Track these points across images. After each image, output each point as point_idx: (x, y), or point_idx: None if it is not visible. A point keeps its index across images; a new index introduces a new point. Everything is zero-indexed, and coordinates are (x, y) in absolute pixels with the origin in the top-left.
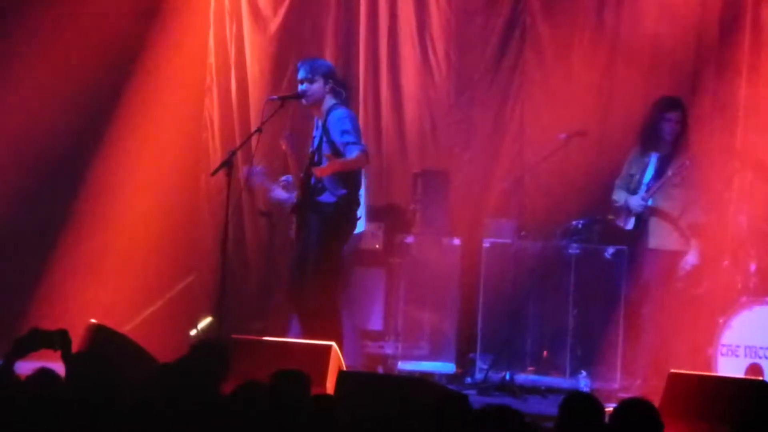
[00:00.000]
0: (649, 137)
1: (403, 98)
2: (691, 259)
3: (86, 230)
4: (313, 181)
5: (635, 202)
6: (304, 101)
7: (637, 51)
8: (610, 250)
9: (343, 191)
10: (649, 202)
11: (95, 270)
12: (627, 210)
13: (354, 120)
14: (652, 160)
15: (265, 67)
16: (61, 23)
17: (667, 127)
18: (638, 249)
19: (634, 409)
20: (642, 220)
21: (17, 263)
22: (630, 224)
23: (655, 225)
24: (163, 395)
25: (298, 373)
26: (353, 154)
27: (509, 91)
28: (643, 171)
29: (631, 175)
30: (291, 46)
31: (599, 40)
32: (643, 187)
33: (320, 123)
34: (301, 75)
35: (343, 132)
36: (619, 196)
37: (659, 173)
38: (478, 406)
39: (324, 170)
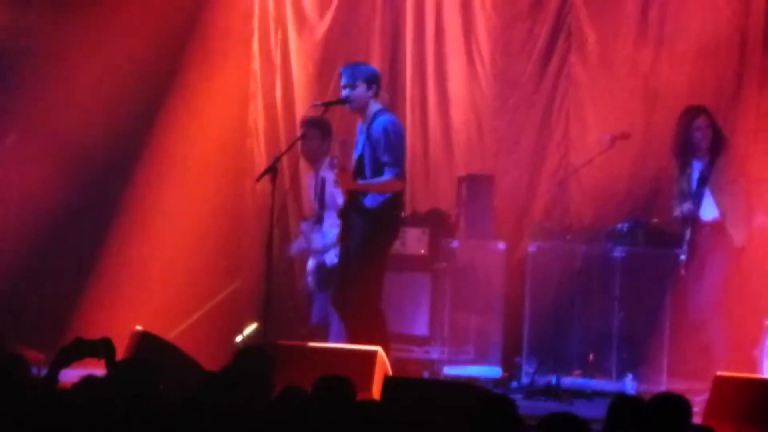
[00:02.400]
0: (685, 149)
1: (449, 103)
2: (758, 219)
3: (131, 237)
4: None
5: (686, 207)
6: (348, 106)
7: (681, 54)
8: (656, 253)
9: (388, 194)
10: (699, 207)
11: (140, 277)
12: (684, 220)
13: (397, 133)
14: (696, 167)
15: (311, 72)
16: (111, 24)
17: (698, 135)
18: (694, 255)
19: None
20: (697, 225)
21: (62, 271)
22: (687, 233)
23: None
24: (209, 403)
25: (341, 379)
26: (387, 177)
27: (554, 95)
28: (690, 180)
29: (681, 190)
30: (337, 51)
31: (644, 44)
32: (693, 195)
33: (365, 128)
34: (343, 81)
35: (385, 149)
36: (678, 211)
37: (704, 179)
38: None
39: (352, 186)
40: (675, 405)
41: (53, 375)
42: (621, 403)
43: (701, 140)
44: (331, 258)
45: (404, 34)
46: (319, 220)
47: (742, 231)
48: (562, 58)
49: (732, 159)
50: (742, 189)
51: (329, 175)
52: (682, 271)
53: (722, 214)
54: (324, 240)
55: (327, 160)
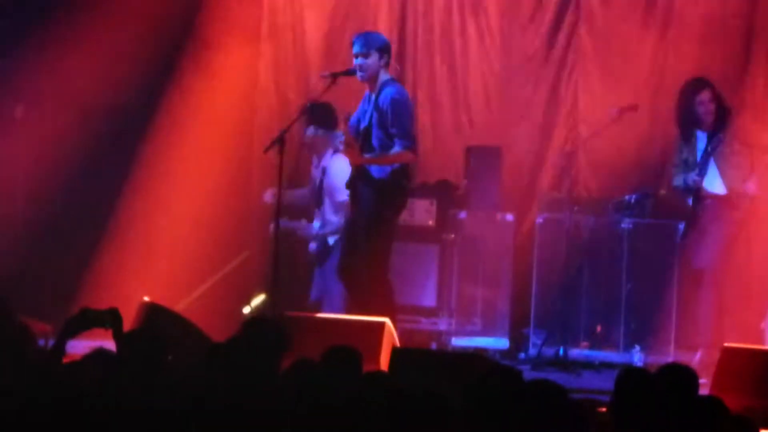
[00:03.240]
0: (687, 121)
1: (457, 75)
2: (750, 187)
3: (138, 208)
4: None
5: (690, 178)
6: (359, 76)
7: (689, 25)
8: (664, 224)
9: (396, 165)
10: (704, 178)
11: (148, 248)
12: (687, 190)
13: (405, 104)
14: (700, 138)
15: (320, 44)
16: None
17: (701, 109)
18: (694, 225)
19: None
20: (698, 198)
21: (70, 242)
22: (689, 202)
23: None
24: (217, 373)
25: (349, 350)
26: (397, 149)
27: (563, 67)
28: (695, 151)
29: (685, 160)
30: (346, 23)
31: (652, 15)
32: (697, 166)
33: (373, 97)
34: (355, 49)
35: (393, 121)
36: (679, 181)
37: (709, 150)
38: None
39: (361, 160)
40: (682, 376)
41: (60, 346)
42: (628, 375)
43: (705, 115)
44: (332, 237)
45: (413, 6)
46: (317, 204)
47: (746, 202)
48: (570, 29)
49: (737, 131)
50: (746, 160)
51: (333, 164)
52: (678, 240)
53: (727, 186)
54: (324, 226)
55: (331, 151)
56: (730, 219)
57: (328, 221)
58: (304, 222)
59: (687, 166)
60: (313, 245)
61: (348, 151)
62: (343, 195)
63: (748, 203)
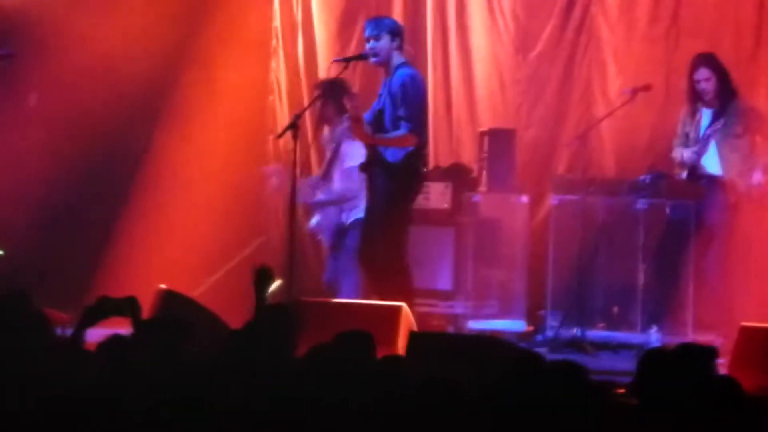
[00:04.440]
0: (691, 97)
1: (471, 57)
2: (756, 176)
3: (153, 195)
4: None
5: (687, 154)
6: (372, 59)
7: (702, 5)
8: (679, 204)
9: (410, 148)
10: (702, 156)
11: (164, 236)
12: (683, 164)
13: (416, 87)
14: (705, 115)
15: (333, 28)
16: None
17: (699, 86)
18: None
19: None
20: (695, 174)
21: (87, 230)
22: (683, 176)
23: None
24: (234, 360)
25: (360, 333)
26: (400, 132)
27: (576, 48)
28: (698, 127)
29: (686, 134)
30: (359, 6)
31: None
32: (698, 142)
33: (386, 80)
34: (367, 33)
35: (402, 103)
36: (677, 153)
37: (710, 128)
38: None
39: (363, 137)
40: (700, 354)
41: (79, 334)
42: (651, 356)
43: (704, 92)
44: (349, 216)
45: None
46: (325, 176)
47: (741, 187)
48: (583, 10)
49: (742, 114)
50: (746, 145)
51: (346, 137)
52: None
53: (724, 168)
54: (329, 195)
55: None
56: (723, 203)
57: (332, 189)
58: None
59: (688, 140)
60: (313, 220)
61: (353, 126)
62: (353, 161)
63: (746, 190)
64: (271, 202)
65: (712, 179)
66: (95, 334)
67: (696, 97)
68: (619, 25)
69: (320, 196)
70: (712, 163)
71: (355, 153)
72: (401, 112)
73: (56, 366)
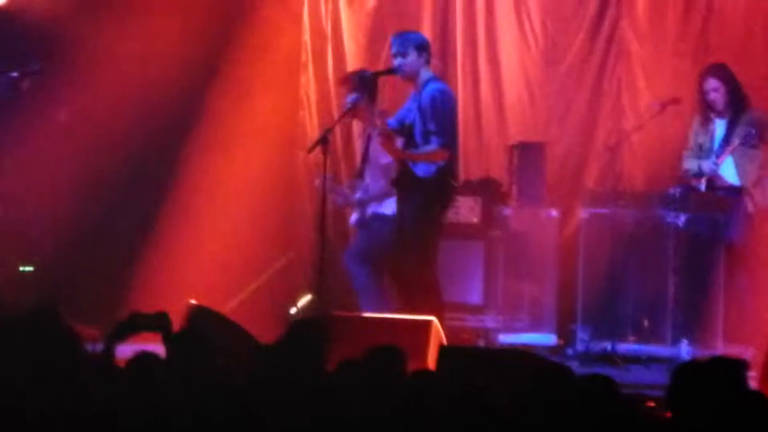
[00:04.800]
0: (702, 107)
1: (501, 71)
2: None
3: (183, 211)
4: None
5: (707, 165)
6: (399, 75)
7: (730, 17)
8: (708, 216)
9: (440, 163)
10: (720, 166)
11: (194, 250)
12: (700, 175)
13: (445, 101)
14: (718, 125)
15: (362, 42)
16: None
17: (708, 97)
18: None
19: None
20: (713, 186)
21: (116, 247)
22: (702, 187)
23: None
24: (265, 375)
25: (391, 348)
26: (431, 147)
27: (606, 62)
28: (712, 137)
29: (700, 144)
30: (388, 20)
31: (693, 8)
32: (714, 152)
33: (416, 96)
34: (393, 49)
35: (432, 118)
36: (692, 165)
37: (728, 137)
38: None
39: (394, 153)
40: (731, 368)
41: (110, 350)
42: (684, 369)
43: (714, 102)
44: (373, 209)
45: (455, 3)
46: (360, 175)
47: (759, 197)
48: (612, 24)
49: (758, 125)
50: (762, 156)
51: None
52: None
53: (741, 178)
54: (366, 193)
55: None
56: (745, 214)
57: (370, 187)
58: (345, 190)
59: (702, 151)
60: (354, 216)
61: (384, 142)
62: (386, 158)
63: (763, 200)
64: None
65: (729, 189)
66: (126, 350)
67: (707, 108)
68: (648, 38)
69: (357, 194)
70: (729, 173)
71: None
72: (432, 127)
73: (87, 382)
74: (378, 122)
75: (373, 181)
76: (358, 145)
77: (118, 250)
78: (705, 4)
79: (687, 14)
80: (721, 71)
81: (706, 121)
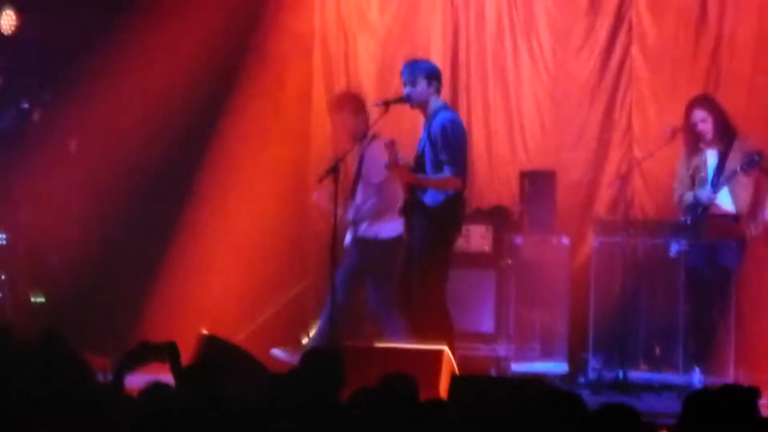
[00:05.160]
0: (691, 139)
1: (511, 98)
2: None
3: (195, 240)
4: None
5: (704, 195)
6: (409, 104)
7: (741, 44)
8: (719, 244)
9: (449, 192)
10: (718, 195)
11: (206, 279)
12: (695, 205)
13: (456, 131)
14: (710, 155)
15: (373, 72)
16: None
17: (696, 129)
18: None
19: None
20: (707, 215)
21: (127, 275)
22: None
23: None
24: (278, 405)
25: (404, 377)
26: (445, 175)
27: (616, 90)
28: (705, 168)
29: (691, 176)
30: (398, 50)
31: (704, 35)
32: (709, 182)
33: (426, 124)
34: (403, 78)
35: (443, 147)
36: (686, 196)
37: (721, 166)
38: (595, 406)
39: (411, 180)
40: (743, 396)
41: (119, 380)
42: (696, 397)
43: (703, 133)
44: (363, 230)
45: (465, 32)
46: (351, 194)
47: (755, 223)
48: (623, 51)
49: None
50: (753, 182)
51: (369, 151)
52: (671, 254)
53: (736, 205)
54: (358, 212)
55: (369, 136)
56: (739, 239)
57: (360, 206)
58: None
59: (694, 182)
60: (348, 236)
61: (394, 171)
62: (378, 177)
63: (761, 228)
64: (313, 246)
65: (725, 216)
66: (135, 380)
67: (696, 139)
68: (659, 65)
69: (349, 214)
70: (725, 201)
71: (378, 169)
72: (443, 157)
73: (98, 412)
74: (388, 153)
75: (365, 200)
76: (351, 165)
77: (130, 279)
78: (715, 31)
79: (698, 41)
80: (706, 102)
81: (696, 152)
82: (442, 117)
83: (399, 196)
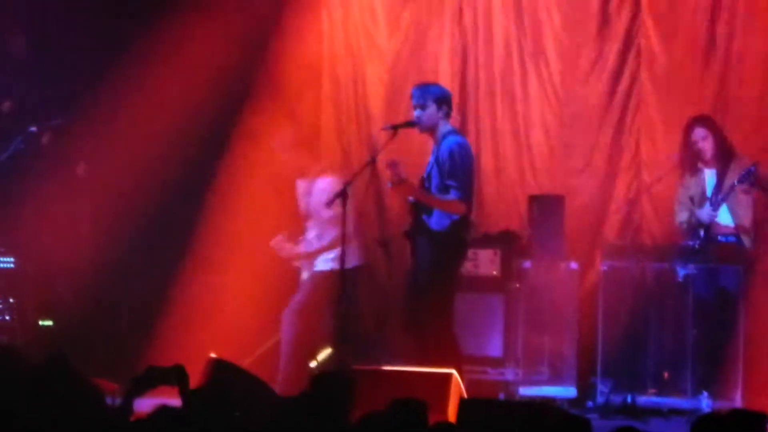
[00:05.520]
0: (689, 160)
1: (520, 123)
2: None
3: (204, 264)
4: (419, 203)
5: (705, 214)
6: (418, 128)
7: (749, 69)
8: (727, 269)
9: (455, 217)
10: (718, 213)
11: (213, 305)
12: (697, 225)
13: (463, 156)
14: (708, 175)
15: (382, 96)
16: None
17: (696, 147)
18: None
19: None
20: (711, 234)
21: (135, 300)
22: (697, 241)
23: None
24: (286, 429)
25: (414, 401)
26: (450, 198)
27: (625, 114)
28: (703, 187)
29: (691, 198)
30: (407, 74)
31: (713, 58)
32: (708, 201)
33: (434, 148)
34: (413, 101)
35: (450, 172)
36: (684, 216)
37: (720, 185)
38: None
39: (417, 194)
40: (751, 420)
41: (128, 404)
42: (704, 422)
43: (702, 151)
44: (321, 264)
45: (473, 56)
46: (302, 230)
47: (755, 240)
48: (632, 76)
49: (746, 172)
50: (755, 202)
51: (316, 187)
52: (678, 279)
53: (736, 223)
54: (310, 247)
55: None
56: (741, 258)
57: (313, 242)
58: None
59: (693, 203)
60: (304, 274)
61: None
62: (328, 212)
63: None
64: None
65: (732, 235)
66: (144, 404)
67: (695, 159)
68: (667, 90)
69: (301, 248)
70: (726, 220)
71: (326, 204)
72: (451, 182)
73: None
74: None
75: (319, 235)
76: (301, 205)
77: (138, 303)
78: (724, 55)
79: (706, 65)
80: (708, 121)
81: (695, 173)
82: (450, 141)
83: (352, 226)
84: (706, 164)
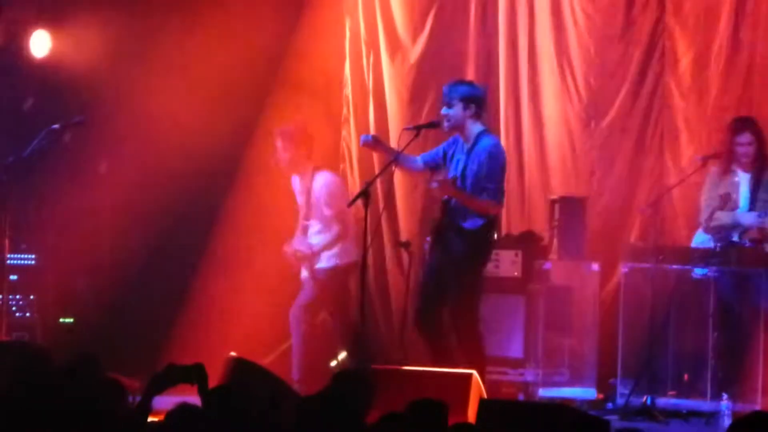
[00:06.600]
0: (728, 159)
1: (543, 125)
2: None
3: (225, 263)
4: (453, 203)
5: (749, 218)
6: (443, 126)
7: None
8: (749, 272)
9: (489, 217)
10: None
11: (233, 302)
12: (730, 227)
13: (500, 158)
14: (743, 178)
15: (404, 97)
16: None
17: (740, 150)
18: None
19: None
20: (754, 239)
21: (155, 297)
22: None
23: None
24: (305, 428)
25: (434, 402)
26: (484, 199)
27: (649, 116)
28: (736, 190)
29: (722, 197)
30: (430, 74)
31: (736, 61)
32: (745, 205)
33: (466, 147)
34: (443, 98)
35: (488, 175)
36: (720, 215)
37: (755, 191)
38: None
39: (458, 194)
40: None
41: (147, 402)
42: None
43: (743, 155)
44: (324, 261)
45: (497, 57)
46: (303, 230)
47: None
48: (655, 78)
49: None
50: None
51: (315, 183)
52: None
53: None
54: (316, 245)
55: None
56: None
57: (315, 240)
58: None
59: (724, 203)
60: (304, 271)
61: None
62: (330, 209)
63: None
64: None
65: (757, 239)
66: (163, 401)
67: (732, 160)
68: (691, 93)
69: (301, 248)
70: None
71: (328, 200)
72: (489, 184)
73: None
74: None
75: (322, 232)
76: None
77: (158, 301)
78: (747, 59)
79: (729, 68)
80: (755, 126)
81: (728, 174)
82: (487, 143)
83: (352, 222)
84: (743, 167)
